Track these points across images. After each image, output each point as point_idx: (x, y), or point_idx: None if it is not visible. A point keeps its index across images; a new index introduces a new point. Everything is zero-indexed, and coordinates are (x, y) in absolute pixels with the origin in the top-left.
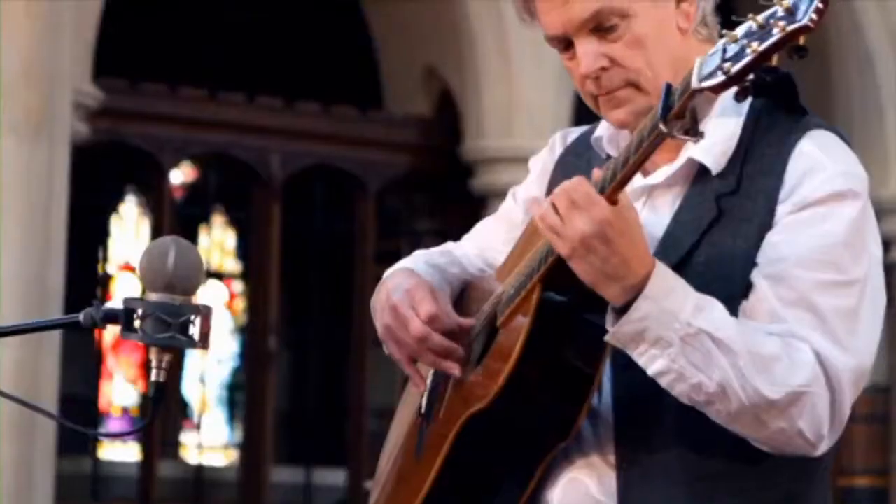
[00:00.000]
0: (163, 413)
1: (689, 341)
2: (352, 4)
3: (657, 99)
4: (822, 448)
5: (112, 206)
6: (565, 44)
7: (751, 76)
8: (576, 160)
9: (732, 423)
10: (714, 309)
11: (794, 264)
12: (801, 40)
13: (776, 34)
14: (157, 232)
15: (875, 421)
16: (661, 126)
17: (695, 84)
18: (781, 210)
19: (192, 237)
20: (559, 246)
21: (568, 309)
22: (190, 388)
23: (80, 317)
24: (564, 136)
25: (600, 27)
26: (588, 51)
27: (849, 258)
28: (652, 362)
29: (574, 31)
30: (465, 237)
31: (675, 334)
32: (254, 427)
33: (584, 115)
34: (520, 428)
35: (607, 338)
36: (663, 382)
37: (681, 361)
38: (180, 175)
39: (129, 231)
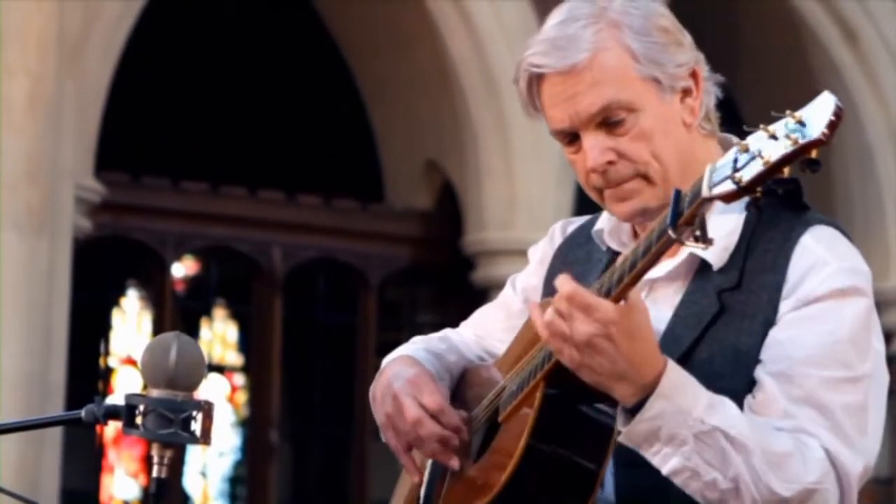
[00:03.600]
0: None
1: (703, 438)
2: (353, 98)
3: (665, 190)
4: None
5: (114, 299)
6: (570, 137)
7: (761, 187)
8: (575, 251)
9: None
10: (726, 406)
11: (800, 362)
12: (814, 153)
13: (789, 147)
14: (158, 325)
15: None
16: (671, 233)
17: (705, 192)
18: (784, 306)
19: (194, 330)
20: (567, 355)
21: (571, 405)
22: (191, 482)
23: (82, 413)
24: (564, 227)
25: (607, 121)
26: (594, 145)
27: (855, 355)
28: (666, 461)
29: (581, 124)
30: (464, 324)
31: (688, 432)
32: None
33: (584, 207)
34: None
35: (620, 438)
36: (678, 481)
37: (695, 459)
38: (182, 268)
39: (131, 324)
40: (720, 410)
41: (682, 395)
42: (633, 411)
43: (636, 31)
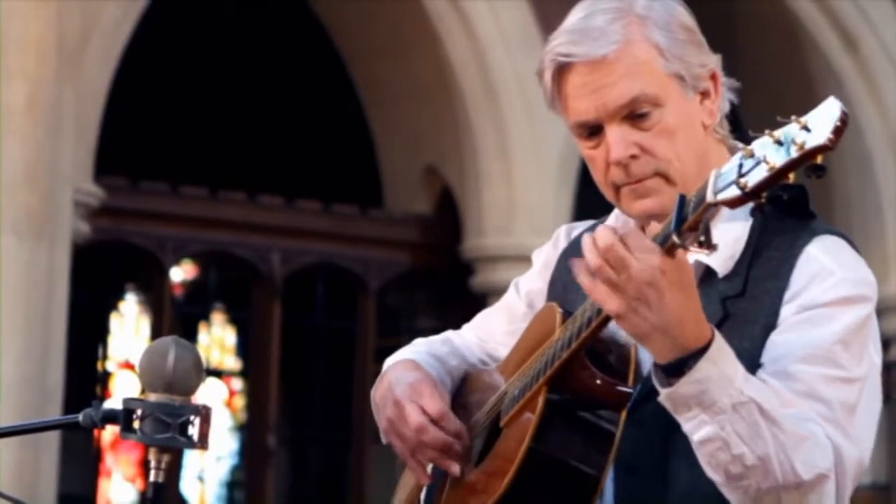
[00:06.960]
0: None
1: (739, 409)
2: (353, 103)
3: (684, 189)
4: None
5: (112, 303)
6: (591, 131)
7: (766, 192)
8: (579, 255)
9: (753, 502)
10: (758, 382)
11: (798, 360)
12: (819, 159)
13: (794, 153)
14: (156, 330)
15: None
16: (675, 238)
17: (710, 198)
18: (786, 311)
19: (192, 335)
20: (610, 302)
21: (573, 411)
22: (189, 486)
23: (80, 417)
24: (569, 231)
25: (633, 114)
26: (619, 138)
27: (849, 358)
28: (699, 428)
29: (607, 116)
30: (466, 326)
31: (728, 400)
32: None
33: (584, 213)
34: None
35: (660, 398)
36: (706, 450)
37: (728, 429)
38: (180, 273)
39: (129, 328)
40: (754, 384)
41: (727, 362)
42: (667, 371)
43: (661, 27)
